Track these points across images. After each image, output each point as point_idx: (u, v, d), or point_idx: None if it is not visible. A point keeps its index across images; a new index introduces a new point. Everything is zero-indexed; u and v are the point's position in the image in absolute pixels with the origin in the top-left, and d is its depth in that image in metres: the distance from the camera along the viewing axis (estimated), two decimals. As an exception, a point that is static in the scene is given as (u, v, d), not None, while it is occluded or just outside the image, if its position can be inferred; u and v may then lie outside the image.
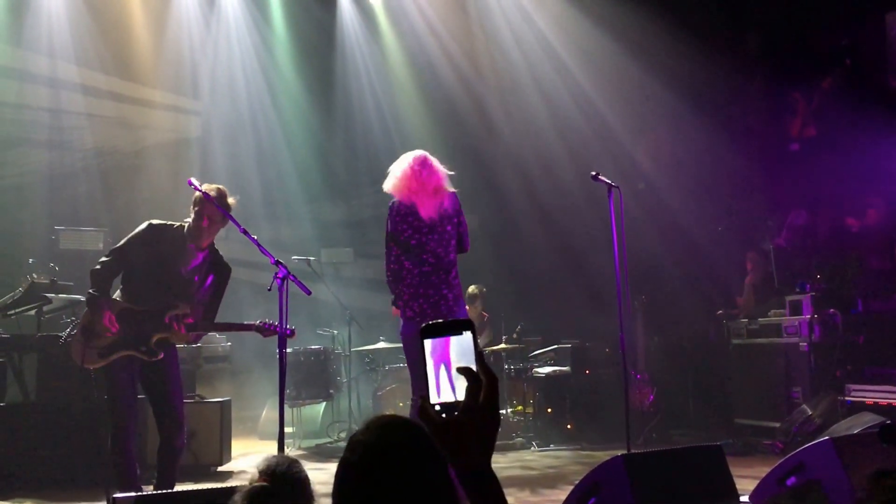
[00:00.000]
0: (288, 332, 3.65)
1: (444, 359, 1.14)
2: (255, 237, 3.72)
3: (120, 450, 3.65)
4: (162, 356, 3.72)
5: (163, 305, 3.70)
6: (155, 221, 3.81)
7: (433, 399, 1.12)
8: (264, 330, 3.78)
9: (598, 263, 7.17)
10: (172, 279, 3.75)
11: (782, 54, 7.78)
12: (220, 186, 3.81)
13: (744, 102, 8.19)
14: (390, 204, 4.17)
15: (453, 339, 1.14)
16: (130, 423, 3.70)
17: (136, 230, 3.80)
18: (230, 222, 3.75)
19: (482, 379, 1.10)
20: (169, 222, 3.84)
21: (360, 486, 1.13)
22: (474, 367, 1.11)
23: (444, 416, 1.11)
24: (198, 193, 3.75)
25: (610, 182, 4.44)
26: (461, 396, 1.11)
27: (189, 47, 8.63)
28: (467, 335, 1.14)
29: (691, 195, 7.90)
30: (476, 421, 1.09)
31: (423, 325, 1.17)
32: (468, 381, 1.10)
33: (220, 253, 3.96)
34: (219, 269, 3.90)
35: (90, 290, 3.70)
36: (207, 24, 8.75)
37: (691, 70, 7.56)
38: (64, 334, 3.79)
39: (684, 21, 7.55)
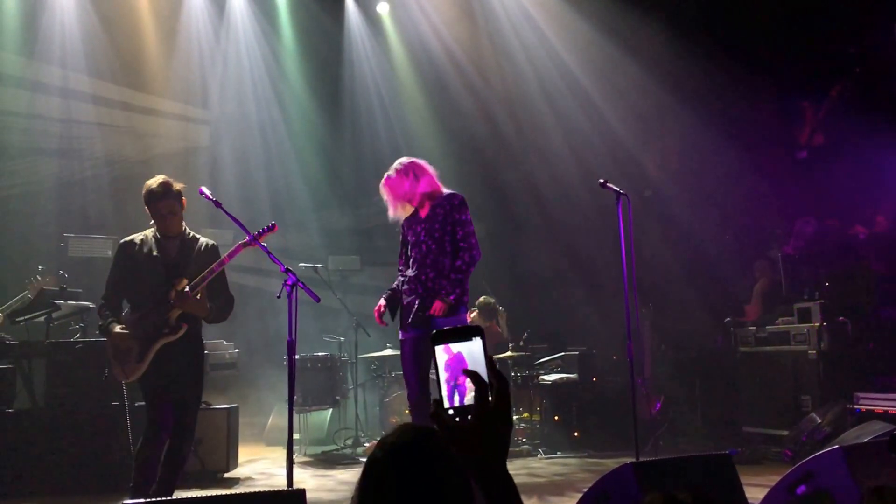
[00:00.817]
0: (273, 227, 3.79)
1: (455, 364, 1.18)
2: (265, 245, 3.75)
3: (146, 456, 3.68)
4: (185, 327, 3.77)
5: (165, 291, 3.79)
6: (124, 239, 3.94)
7: (446, 403, 1.16)
8: (257, 237, 3.76)
9: (605, 271, 7.17)
10: (161, 273, 3.82)
11: (791, 62, 7.77)
12: (156, 181, 3.81)
13: (752, 110, 8.18)
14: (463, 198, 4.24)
15: (464, 345, 1.18)
16: (163, 430, 3.74)
17: (114, 255, 3.96)
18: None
19: (494, 383, 1.13)
20: (136, 234, 3.94)
21: (382, 483, 1.18)
22: (485, 372, 1.15)
23: (457, 419, 1.13)
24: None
25: (618, 190, 4.44)
26: (473, 400, 1.14)
27: (199, 57, 8.73)
28: (477, 341, 1.18)
29: (699, 203, 7.88)
30: (488, 424, 1.12)
31: (434, 331, 1.22)
32: (476, 385, 1.13)
33: (197, 236, 3.99)
34: (201, 250, 3.93)
35: (99, 324, 3.86)
36: (217, 35, 8.85)
37: (699, 78, 7.57)
38: (106, 368, 3.90)
39: (692, 30, 7.56)
